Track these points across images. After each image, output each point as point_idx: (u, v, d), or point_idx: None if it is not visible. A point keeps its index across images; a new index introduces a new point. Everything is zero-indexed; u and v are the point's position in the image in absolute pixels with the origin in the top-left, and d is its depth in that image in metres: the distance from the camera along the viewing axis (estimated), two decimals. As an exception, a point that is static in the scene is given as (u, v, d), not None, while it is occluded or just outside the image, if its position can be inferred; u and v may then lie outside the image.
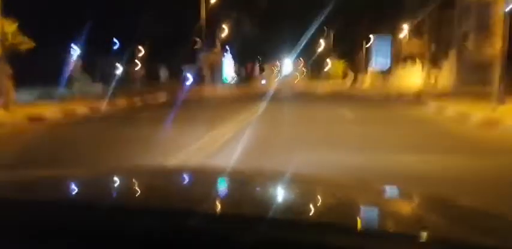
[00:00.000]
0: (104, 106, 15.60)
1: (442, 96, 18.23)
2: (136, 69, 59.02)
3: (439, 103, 14.22)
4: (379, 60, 29.70)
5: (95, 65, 34.76)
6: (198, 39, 41.02)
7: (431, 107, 14.27)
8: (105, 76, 33.38)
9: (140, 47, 60.00)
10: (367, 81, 48.13)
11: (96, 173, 1.64)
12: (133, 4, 47.24)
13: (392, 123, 10.31)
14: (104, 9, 33.65)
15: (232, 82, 70.48)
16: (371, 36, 32.79)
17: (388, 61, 29.62)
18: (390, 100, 19.63)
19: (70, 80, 24.31)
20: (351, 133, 8.41)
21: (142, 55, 62.25)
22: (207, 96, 28.07)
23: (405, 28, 37.39)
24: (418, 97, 18.49)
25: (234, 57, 74.20)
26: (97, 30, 29.14)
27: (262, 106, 14.92)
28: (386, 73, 43.67)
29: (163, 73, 54.70)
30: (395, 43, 31.50)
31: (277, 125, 10.01)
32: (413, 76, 34.82)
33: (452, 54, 27.45)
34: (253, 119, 11.09)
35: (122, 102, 17.80)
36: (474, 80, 23.25)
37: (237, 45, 69.02)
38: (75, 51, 29.46)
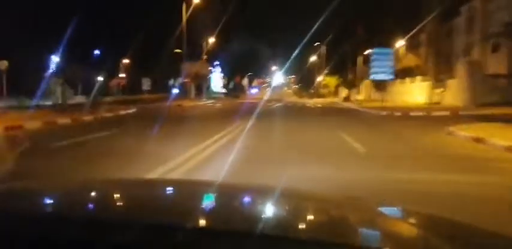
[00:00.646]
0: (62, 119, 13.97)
1: (459, 117, 14.80)
2: (116, 80, 55.49)
3: (467, 130, 9.93)
4: (377, 75, 26.50)
5: (76, 77, 33.24)
6: (178, 51, 37.82)
7: (458, 136, 9.59)
8: (88, 88, 32.93)
9: (125, 59, 56.71)
10: (363, 96, 45.01)
11: (75, 185, 1.59)
12: (114, 14, 44.01)
13: (422, 164, 6.20)
14: (84, 19, 30.92)
15: (219, 95, 67.28)
16: (370, 50, 29.75)
17: (387, 75, 26.42)
18: (396, 120, 16.09)
19: (47, 93, 23.43)
20: (369, 185, 4.66)
21: (126, 67, 58.80)
22: (187, 110, 24.62)
23: (401, 41, 34.59)
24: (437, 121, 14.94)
25: (223, 70, 71.11)
26: (77, 40, 28.11)
27: (247, 125, 11.46)
28: (383, 88, 40.74)
29: (146, 84, 50.74)
30: (394, 56, 28.50)
31: (261, 161, 6.29)
32: (413, 92, 31.59)
33: (461, 69, 24.12)
34: (235, 144, 7.76)
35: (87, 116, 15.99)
36: (492, 99, 20.14)
37: (226, 57, 66.10)
38: (54, 63, 28.30)
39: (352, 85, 42.84)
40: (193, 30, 38.23)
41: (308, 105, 32.59)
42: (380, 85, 42.60)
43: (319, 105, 31.27)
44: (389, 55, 26.09)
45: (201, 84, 43.33)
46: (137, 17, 43.26)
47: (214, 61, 65.39)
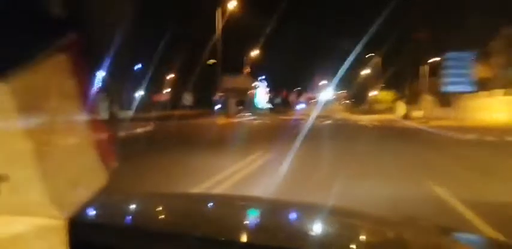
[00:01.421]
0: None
1: None
2: (159, 95, 53.13)
3: None
4: (452, 86, 21.26)
5: (119, 92, 31.84)
6: (212, 61, 34.40)
7: None
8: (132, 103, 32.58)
9: (171, 74, 54.42)
10: (422, 113, 39.15)
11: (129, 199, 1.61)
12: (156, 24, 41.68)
13: None
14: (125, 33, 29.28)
15: (264, 111, 63.30)
16: (438, 57, 24.53)
17: (466, 86, 21.05)
18: (498, 149, 10.84)
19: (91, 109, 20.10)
20: None
21: (172, 81, 56.48)
22: (215, 128, 20.68)
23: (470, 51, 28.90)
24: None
25: (268, 84, 67.41)
26: (120, 55, 26.22)
27: (271, 157, 7.77)
28: (450, 103, 34.79)
29: (187, 99, 47.51)
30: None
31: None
32: (492, 108, 25.68)
33: None
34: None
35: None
36: None
37: (272, 71, 62.56)
38: (98, 78, 26.58)
39: (413, 99, 37.08)
40: (233, 41, 34.64)
41: (362, 122, 27.57)
42: (446, 100, 36.66)
43: (375, 123, 26.18)
44: (469, 61, 20.62)
45: (242, 98, 39.51)
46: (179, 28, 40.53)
47: (260, 75, 61.76)
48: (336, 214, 1.40)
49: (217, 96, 40.10)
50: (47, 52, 0.68)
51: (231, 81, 36.95)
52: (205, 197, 2.00)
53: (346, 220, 1.39)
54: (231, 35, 35.36)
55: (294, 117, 34.26)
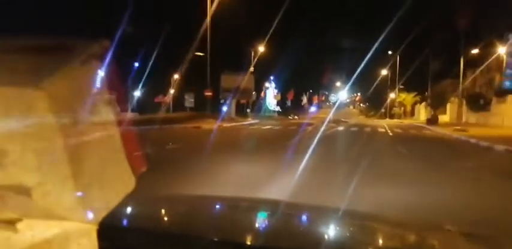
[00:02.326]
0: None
1: None
2: (161, 97, 48.80)
3: None
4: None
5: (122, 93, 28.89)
6: (200, 54, 29.50)
7: None
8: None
9: (176, 74, 49.98)
10: (448, 118, 33.89)
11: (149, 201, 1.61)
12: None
13: None
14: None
15: (273, 114, 58.48)
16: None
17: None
18: None
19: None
20: None
21: (177, 82, 51.91)
22: (196, 136, 16.05)
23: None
24: None
25: (277, 85, 62.48)
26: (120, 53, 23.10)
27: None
28: (484, 107, 29.58)
29: (189, 101, 42.90)
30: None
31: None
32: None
33: None
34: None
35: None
36: None
37: (282, 72, 57.75)
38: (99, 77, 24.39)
39: (437, 102, 31.79)
40: (234, 35, 29.95)
41: (381, 129, 22.51)
42: (477, 104, 31.43)
43: (398, 131, 21.14)
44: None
45: (244, 100, 34.78)
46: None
47: (268, 75, 57.04)
48: (350, 217, 1.38)
49: (226, 97, 35.60)
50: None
51: (231, 80, 32.34)
52: (226, 200, 1.87)
53: (361, 223, 1.35)
54: (233, 28, 30.86)
55: (305, 121, 29.41)
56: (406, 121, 37.75)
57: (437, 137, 17.34)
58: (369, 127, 24.55)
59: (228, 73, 32.66)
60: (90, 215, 0.83)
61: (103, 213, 0.86)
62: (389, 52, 40.51)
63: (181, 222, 1.25)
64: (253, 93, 56.37)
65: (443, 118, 39.62)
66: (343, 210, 1.48)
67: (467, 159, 9.78)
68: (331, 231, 1.24)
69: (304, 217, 1.46)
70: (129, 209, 1.29)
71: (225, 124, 24.25)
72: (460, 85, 28.92)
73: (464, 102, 33.38)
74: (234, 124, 26.89)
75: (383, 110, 51.51)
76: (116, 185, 0.81)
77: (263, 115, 48.94)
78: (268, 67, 50.49)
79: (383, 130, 21.93)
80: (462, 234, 1.30)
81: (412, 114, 46.80)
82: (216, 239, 0.96)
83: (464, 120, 34.12)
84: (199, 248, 0.91)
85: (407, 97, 44.68)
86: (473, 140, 14.00)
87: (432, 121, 27.61)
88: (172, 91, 49.22)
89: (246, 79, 33.21)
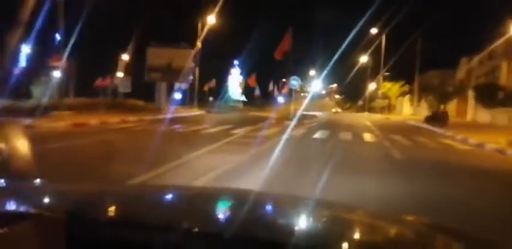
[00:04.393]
0: None
1: None
2: (100, 80, 38.30)
3: None
4: None
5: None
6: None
7: None
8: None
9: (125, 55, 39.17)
10: (460, 114, 25.04)
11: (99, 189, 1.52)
12: None
13: None
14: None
15: (237, 104, 48.97)
16: None
17: None
18: None
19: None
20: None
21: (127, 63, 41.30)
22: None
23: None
24: None
25: (242, 72, 52.76)
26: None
27: None
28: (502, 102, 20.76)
29: (123, 85, 32.33)
30: None
31: None
32: None
33: None
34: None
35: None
36: None
37: (246, 55, 47.95)
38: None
39: (456, 94, 22.23)
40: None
41: (365, 134, 13.25)
42: (493, 98, 22.68)
43: (399, 140, 11.77)
44: None
45: (178, 82, 24.83)
46: None
47: (232, 59, 47.22)
48: (319, 207, 1.36)
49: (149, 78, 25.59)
50: None
51: (160, 55, 22.57)
52: (199, 189, 1.88)
53: (328, 213, 1.32)
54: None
55: (268, 115, 20.60)
56: (393, 117, 28.73)
57: (463, 151, 8.21)
58: (345, 123, 15.26)
59: (159, 46, 22.83)
60: (57, 205, 0.85)
61: (70, 203, 0.90)
62: (373, 30, 31.12)
63: (152, 211, 1.15)
64: (213, 79, 46.73)
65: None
66: (315, 200, 1.53)
67: None
68: (301, 221, 1.18)
69: (274, 207, 1.36)
70: (97, 199, 1.26)
71: (120, 123, 14.29)
72: (455, 75, 19.81)
73: (469, 95, 24.52)
74: (150, 117, 17.13)
75: (361, 102, 42.59)
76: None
77: (225, 106, 39.67)
78: (231, 49, 40.73)
79: (368, 137, 12.61)
80: (433, 225, 1.24)
81: (394, 107, 38.12)
82: (185, 228, 0.90)
83: (469, 117, 25.27)
84: (168, 237, 0.84)
85: (393, 88, 35.65)
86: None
87: (439, 119, 18.45)
88: (120, 73, 38.35)
89: (181, 54, 23.24)
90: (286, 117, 18.54)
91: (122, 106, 22.25)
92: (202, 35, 25.41)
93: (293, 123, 15.89)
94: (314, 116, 27.07)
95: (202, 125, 13.97)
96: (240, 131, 11.66)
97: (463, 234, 1.17)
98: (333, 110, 39.75)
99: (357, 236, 1.08)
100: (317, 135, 11.90)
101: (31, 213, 0.79)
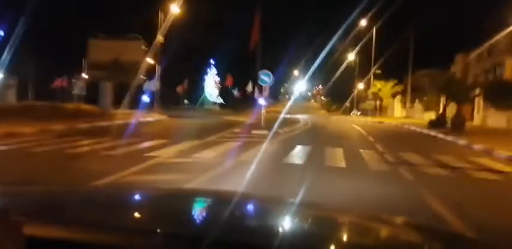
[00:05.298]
0: None
1: None
2: (58, 81, 33.26)
3: None
4: None
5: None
6: None
7: None
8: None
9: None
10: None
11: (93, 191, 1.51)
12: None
13: None
14: None
15: (213, 107, 44.52)
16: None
17: None
18: None
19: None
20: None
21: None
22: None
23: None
24: None
25: (219, 71, 48.06)
26: None
27: None
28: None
29: (78, 87, 27.25)
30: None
31: None
32: None
33: None
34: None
35: None
36: None
37: (223, 54, 43.32)
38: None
39: (465, 93, 17.93)
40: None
41: (364, 151, 8.86)
42: (506, 98, 18.53)
43: (411, 159, 7.46)
44: None
45: (127, 82, 20.20)
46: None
47: (208, 58, 42.64)
48: (302, 208, 1.30)
49: (85, 77, 20.80)
50: None
51: (104, 49, 18.04)
52: (170, 191, 1.74)
53: (312, 214, 1.27)
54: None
55: (248, 120, 18.28)
56: (386, 121, 24.60)
57: None
58: (336, 142, 10.97)
59: (102, 38, 18.28)
60: (16, 208, 0.80)
61: (28, 206, 0.87)
62: (362, 23, 26.95)
63: (117, 213, 1.10)
64: (185, 80, 42.02)
65: (434, 116, 26.87)
66: (300, 201, 1.42)
67: None
68: (285, 223, 1.13)
69: (257, 208, 1.31)
70: (54, 201, 1.19)
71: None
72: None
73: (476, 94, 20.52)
74: (84, 125, 12.53)
75: (348, 104, 38.53)
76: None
77: (200, 109, 35.55)
78: (204, 46, 36.28)
79: (377, 159, 8.28)
80: (416, 226, 1.22)
81: (385, 109, 34.12)
82: (158, 231, 0.85)
83: (477, 121, 21.25)
84: (138, 241, 0.80)
85: (385, 88, 31.54)
86: None
87: (454, 124, 14.10)
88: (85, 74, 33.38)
89: (130, 47, 18.67)
90: (261, 124, 14.30)
91: (61, 111, 17.63)
92: (165, 26, 20.83)
93: (265, 133, 11.60)
94: (297, 121, 22.74)
95: (126, 139, 9.39)
96: (163, 154, 7.17)
97: (451, 235, 1.15)
98: (354, 113, 34.78)
99: (342, 237, 1.03)
100: (291, 157, 7.46)
101: None
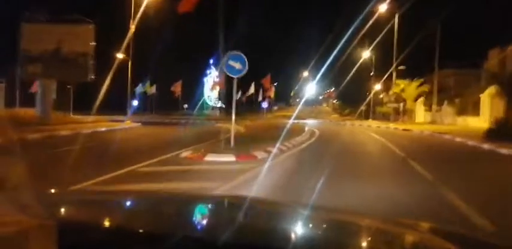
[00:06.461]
0: None
1: None
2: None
3: None
4: None
5: None
6: None
7: None
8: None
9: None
10: (484, 120, 15.87)
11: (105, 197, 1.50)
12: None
13: None
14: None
15: (214, 112, 39.86)
16: None
17: None
18: None
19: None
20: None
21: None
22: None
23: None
24: None
25: (220, 73, 43.45)
26: None
27: None
28: None
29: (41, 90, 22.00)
30: None
31: None
32: None
33: None
34: None
35: None
36: None
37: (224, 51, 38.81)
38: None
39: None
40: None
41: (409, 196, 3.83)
42: None
43: None
44: None
45: (73, 79, 15.43)
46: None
47: (207, 58, 38.05)
48: (316, 213, 1.29)
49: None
50: None
51: (41, 36, 13.52)
52: (189, 197, 1.73)
53: (325, 219, 1.27)
54: None
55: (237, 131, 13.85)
56: (413, 128, 19.36)
57: None
58: (363, 181, 5.82)
59: (38, 22, 13.74)
60: (49, 212, 0.80)
61: (61, 210, 0.86)
62: (381, 8, 21.81)
63: (144, 218, 1.12)
64: (180, 81, 37.38)
65: (473, 122, 21.57)
66: (312, 206, 1.43)
67: None
68: (297, 227, 1.13)
69: (269, 213, 1.31)
70: (88, 206, 1.22)
71: None
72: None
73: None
74: None
75: (363, 108, 33.31)
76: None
77: (198, 114, 31.20)
78: (207, 45, 31.72)
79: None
80: (436, 230, 1.20)
81: (409, 113, 28.84)
82: (181, 236, 0.87)
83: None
84: (162, 244, 0.82)
85: (409, 87, 26.23)
86: None
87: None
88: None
89: (88, 37, 14.02)
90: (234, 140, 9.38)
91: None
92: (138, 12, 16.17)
93: (227, 160, 6.74)
94: (301, 129, 17.42)
95: None
96: None
97: (465, 237, 1.11)
98: (330, 116, 30.53)
99: (355, 241, 1.02)
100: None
101: (21, 220, 0.74)
